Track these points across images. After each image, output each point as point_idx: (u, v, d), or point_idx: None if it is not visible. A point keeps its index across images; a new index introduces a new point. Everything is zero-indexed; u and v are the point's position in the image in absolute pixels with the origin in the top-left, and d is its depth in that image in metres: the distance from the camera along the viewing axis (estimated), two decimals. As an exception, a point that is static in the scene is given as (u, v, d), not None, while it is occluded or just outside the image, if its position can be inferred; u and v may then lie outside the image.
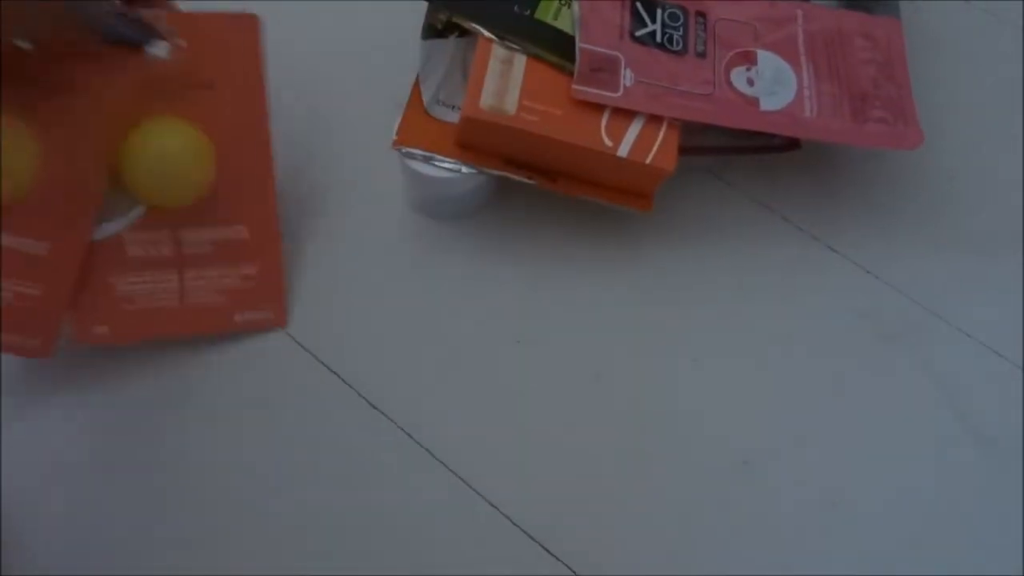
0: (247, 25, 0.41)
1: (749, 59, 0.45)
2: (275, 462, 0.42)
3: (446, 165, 0.43)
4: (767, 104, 0.44)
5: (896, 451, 0.44)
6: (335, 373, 0.44)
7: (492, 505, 0.42)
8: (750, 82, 0.44)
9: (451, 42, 0.44)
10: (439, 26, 0.44)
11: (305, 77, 0.49)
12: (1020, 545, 0.42)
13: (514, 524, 0.41)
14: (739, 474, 0.43)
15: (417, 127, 0.44)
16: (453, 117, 0.44)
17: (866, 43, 0.47)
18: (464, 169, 0.43)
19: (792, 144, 0.47)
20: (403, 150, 0.43)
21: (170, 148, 0.41)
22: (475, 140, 0.43)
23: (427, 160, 0.43)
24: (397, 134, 0.43)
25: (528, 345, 0.46)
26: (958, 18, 0.57)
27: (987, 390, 0.46)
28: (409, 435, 0.43)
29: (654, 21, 0.44)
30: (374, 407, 0.43)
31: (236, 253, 0.43)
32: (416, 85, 0.44)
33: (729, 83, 0.44)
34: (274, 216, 0.44)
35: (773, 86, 0.44)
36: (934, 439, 0.45)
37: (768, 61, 0.45)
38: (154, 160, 0.41)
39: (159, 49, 0.39)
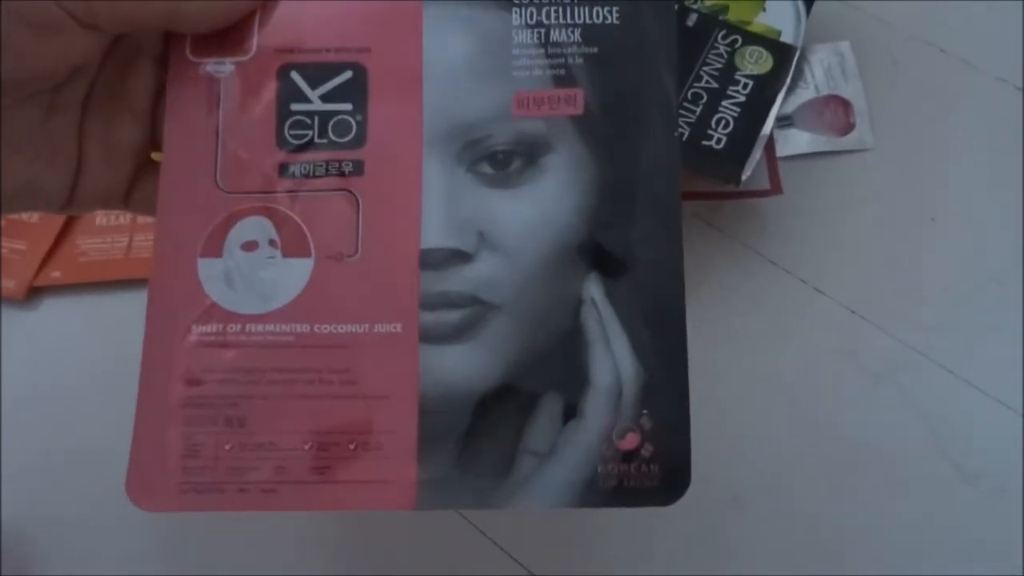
0: None
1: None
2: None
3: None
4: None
5: (882, 484, 0.46)
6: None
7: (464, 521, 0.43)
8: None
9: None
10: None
11: None
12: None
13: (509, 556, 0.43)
14: (728, 510, 0.45)
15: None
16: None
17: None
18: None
19: (775, 190, 0.49)
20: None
21: None
22: None
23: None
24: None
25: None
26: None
27: (969, 425, 0.47)
28: None
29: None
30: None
31: None
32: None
33: None
34: None
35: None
36: (919, 472, 0.46)
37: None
38: None
39: None
